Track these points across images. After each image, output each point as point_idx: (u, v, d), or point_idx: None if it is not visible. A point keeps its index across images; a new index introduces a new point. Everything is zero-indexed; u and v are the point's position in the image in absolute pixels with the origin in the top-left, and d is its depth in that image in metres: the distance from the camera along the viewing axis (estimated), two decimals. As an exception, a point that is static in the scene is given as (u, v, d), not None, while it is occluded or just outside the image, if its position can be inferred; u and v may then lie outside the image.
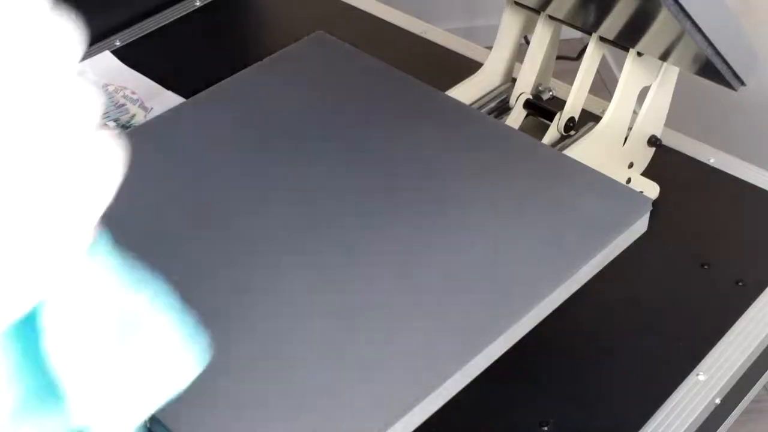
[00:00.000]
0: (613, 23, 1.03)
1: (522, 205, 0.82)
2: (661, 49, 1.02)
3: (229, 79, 0.98)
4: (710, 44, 0.95)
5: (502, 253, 0.77)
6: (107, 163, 0.45)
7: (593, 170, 0.86)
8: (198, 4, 1.38)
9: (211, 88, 0.97)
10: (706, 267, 0.98)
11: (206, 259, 0.79)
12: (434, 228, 0.81)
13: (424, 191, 0.84)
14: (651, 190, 1.04)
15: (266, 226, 0.81)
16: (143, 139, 0.91)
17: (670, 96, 1.07)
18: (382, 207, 0.83)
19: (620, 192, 0.84)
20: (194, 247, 0.81)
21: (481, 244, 0.79)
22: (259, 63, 1.00)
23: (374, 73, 0.98)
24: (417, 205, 0.83)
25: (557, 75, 1.15)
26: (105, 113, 1.19)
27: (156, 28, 1.34)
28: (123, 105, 1.20)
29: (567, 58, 1.16)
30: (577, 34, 1.10)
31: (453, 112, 0.94)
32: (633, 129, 1.05)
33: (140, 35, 1.33)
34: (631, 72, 1.03)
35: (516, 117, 1.08)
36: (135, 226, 0.79)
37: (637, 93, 1.06)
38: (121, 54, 1.29)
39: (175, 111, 0.96)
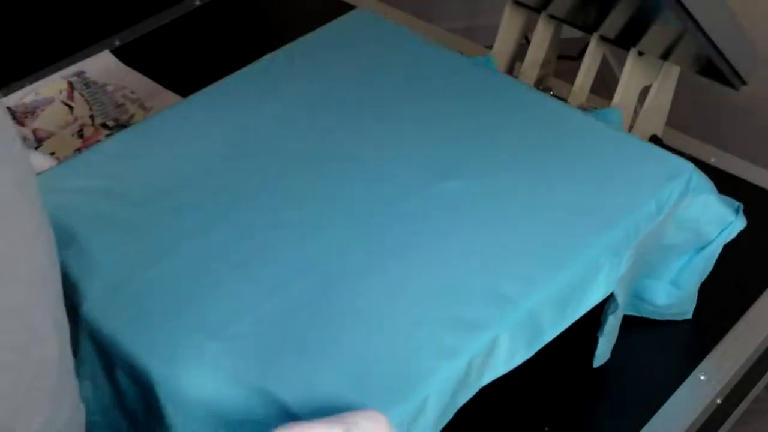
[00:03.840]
0: (614, 22, 1.03)
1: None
2: (662, 49, 1.01)
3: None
4: (711, 43, 0.95)
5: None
6: None
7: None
8: (198, 3, 1.38)
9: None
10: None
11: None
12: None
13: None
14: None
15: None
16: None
17: (671, 95, 1.07)
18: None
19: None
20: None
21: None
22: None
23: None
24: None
25: (557, 75, 1.15)
26: (104, 113, 1.19)
27: (156, 27, 1.34)
28: (122, 105, 1.20)
29: (567, 58, 1.16)
30: (578, 33, 1.09)
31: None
32: (634, 128, 1.05)
33: (140, 35, 1.33)
34: (632, 71, 1.03)
35: (516, 116, 1.08)
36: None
37: (638, 92, 1.05)
38: (121, 54, 1.28)
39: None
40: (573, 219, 0.79)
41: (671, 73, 1.05)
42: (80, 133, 1.16)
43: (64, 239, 0.78)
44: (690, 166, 0.84)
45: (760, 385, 0.97)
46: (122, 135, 0.92)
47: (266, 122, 0.90)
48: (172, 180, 0.84)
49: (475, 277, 0.74)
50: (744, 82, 1.03)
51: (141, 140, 0.90)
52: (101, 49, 1.29)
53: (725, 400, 0.88)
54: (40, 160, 0.88)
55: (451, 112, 0.91)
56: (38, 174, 0.85)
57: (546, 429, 0.84)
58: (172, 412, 0.69)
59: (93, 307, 0.74)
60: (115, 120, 1.18)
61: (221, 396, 0.68)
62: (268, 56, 0.99)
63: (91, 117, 1.19)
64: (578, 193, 0.82)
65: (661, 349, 0.91)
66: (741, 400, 0.94)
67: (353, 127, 0.89)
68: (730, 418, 0.93)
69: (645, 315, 0.91)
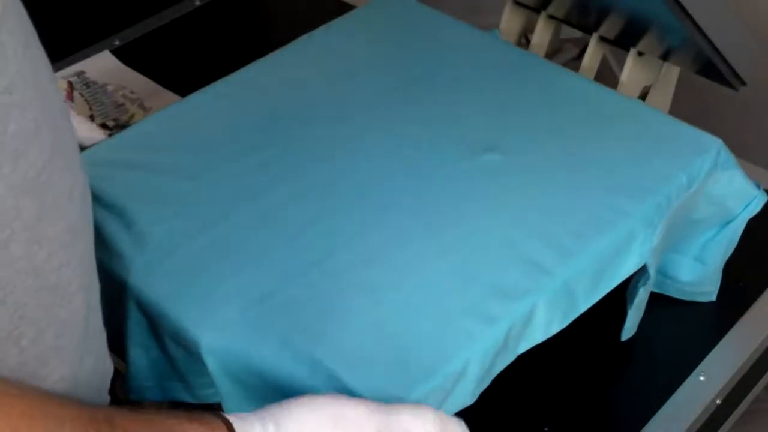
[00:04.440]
0: (614, 23, 1.03)
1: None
2: (662, 49, 1.01)
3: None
4: (711, 44, 0.95)
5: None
6: None
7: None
8: (198, 3, 1.38)
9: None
10: (706, 267, 0.98)
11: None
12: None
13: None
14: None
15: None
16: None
17: (671, 96, 1.07)
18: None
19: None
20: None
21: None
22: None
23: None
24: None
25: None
26: (104, 113, 1.19)
27: (156, 28, 1.34)
28: (122, 105, 1.20)
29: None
30: (578, 33, 1.09)
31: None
32: (633, 129, 1.05)
33: (139, 35, 1.33)
34: (632, 72, 1.03)
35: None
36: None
37: (638, 93, 1.05)
38: (121, 53, 1.28)
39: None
40: (608, 190, 0.81)
41: (671, 73, 1.05)
42: (80, 133, 1.16)
43: (113, 211, 0.80)
44: (719, 141, 0.86)
45: (760, 385, 0.97)
46: (169, 110, 0.94)
47: (307, 100, 0.92)
48: (218, 153, 0.86)
49: (513, 247, 0.76)
50: (743, 83, 1.03)
51: (187, 115, 0.92)
52: (101, 49, 1.29)
53: (725, 401, 0.88)
54: (93, 132, 0.90)
55: (486, 89, 0.93)
56: (89, 146, 0.88)
57: (546, 429, 0.84)
58: (220, 380, 0.70)
59: (140, 276, 0.75)
60: (115, 120, 1.18)
61: (268, 363, 0.69)
62: (305, 36, 1.00)
63: (91, 117, 1.19)
64: (612, 165, 0.84)
65: (661, 350, 0.91)
66: (741, 401, 0.94)
67: (392, 103, 0.91)
68: (730, 418, 0.93)
69: (668, 293, 0.93)
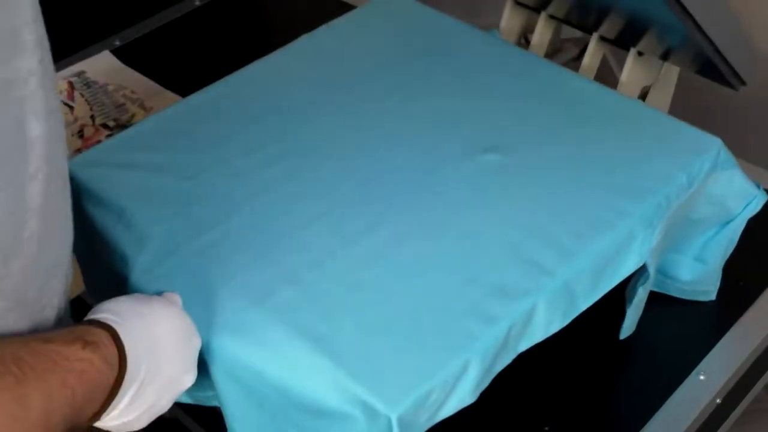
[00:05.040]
0: (614, 23, 1.03)
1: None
2: (662, 49, 1.02)
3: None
4: (711, 44, 0.95)
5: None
6: None
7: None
8: (198, 3, 1.38)
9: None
10: (706, 267, 0.98)
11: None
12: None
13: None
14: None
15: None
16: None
17: (671, 95, 1.07)
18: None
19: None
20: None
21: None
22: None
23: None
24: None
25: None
26: (105, 113, 1.19)
27: (156, 28, 1.34)
28: (122, 105, 1.20)
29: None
30: (578, 33, 1.10)
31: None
32: (633, 128, 1.05)
33: (140, 35, 1.33)
34: (632, 71, 1.03)
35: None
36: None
37: (638, 92, 1.06)
38: (121, 54, 1.28)
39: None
40: (608, 191, 0.81)
41: (671, 73, 1.05)
42: (80, 134, 1.16)
43: (113, 211, 0.80)
44: (718, 141, 0.86)
45: (760, 384, 0.97)
46: (169, 110, 0.94)
47: (307, 100, 0.92)
48: (218, 153, 0.87)
49: (513, 247, 0.77)
50: (743, 83, 1.03)
51: (187, 115, 0.92)
52: (101, 49, 1.29)
53: (725, 400, 0.88)
54: None
55: (486, 89, 0.93)
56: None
57: (546, 429, 0.84)
58: (221, 380, 0.71)
59: (140, 276, 0.76)
60: (116, 120, 1.18)
61: (268, 363, 0.69)
62: (305, 36, 1.00)
63: (92, 117, 1.19)
64: (612, 165, 0.84)
65: (661, 349, 0.91)
66: (741, 400, 0.94)
67: (392, 103, 0.91)
68: (730, 417, 0.93)
69: (669, 292, 0.93)
